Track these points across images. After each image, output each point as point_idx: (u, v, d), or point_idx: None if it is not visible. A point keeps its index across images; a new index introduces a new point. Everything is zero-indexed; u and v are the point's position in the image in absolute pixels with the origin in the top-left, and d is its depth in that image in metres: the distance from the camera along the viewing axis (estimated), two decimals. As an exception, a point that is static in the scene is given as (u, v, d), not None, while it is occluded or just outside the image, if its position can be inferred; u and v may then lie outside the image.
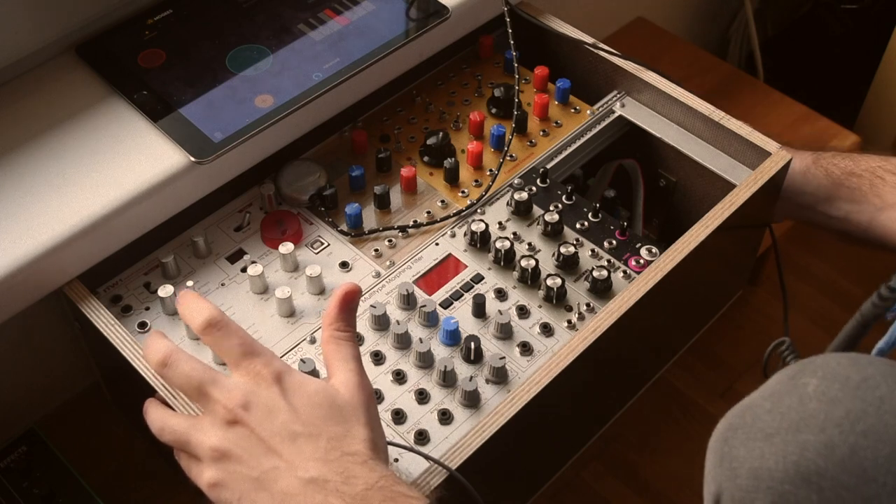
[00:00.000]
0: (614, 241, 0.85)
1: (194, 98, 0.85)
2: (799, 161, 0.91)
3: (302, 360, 0.75)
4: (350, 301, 0.67)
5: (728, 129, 0.89)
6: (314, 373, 0.74)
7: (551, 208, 0.87)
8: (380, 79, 0.92)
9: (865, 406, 0.46)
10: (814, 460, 0.46)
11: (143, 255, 0.83)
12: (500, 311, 0.79)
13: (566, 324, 0.79)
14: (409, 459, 0.70)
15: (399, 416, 0.74)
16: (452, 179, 0.89)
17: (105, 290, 0.81)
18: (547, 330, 0.79)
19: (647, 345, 0.92)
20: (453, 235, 0.85)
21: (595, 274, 0.81)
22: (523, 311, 0.80)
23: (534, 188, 0.89)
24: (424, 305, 0.79)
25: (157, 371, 0.66)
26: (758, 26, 1.62)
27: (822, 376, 0.49)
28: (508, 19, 0.95)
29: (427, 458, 0.69)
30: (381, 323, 0.78)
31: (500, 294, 0.81)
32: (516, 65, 0.95)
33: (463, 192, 0.89)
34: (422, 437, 0.72)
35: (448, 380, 0.75)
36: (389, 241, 0.85)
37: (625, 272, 0.83)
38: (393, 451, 0.70)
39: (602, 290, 0.81)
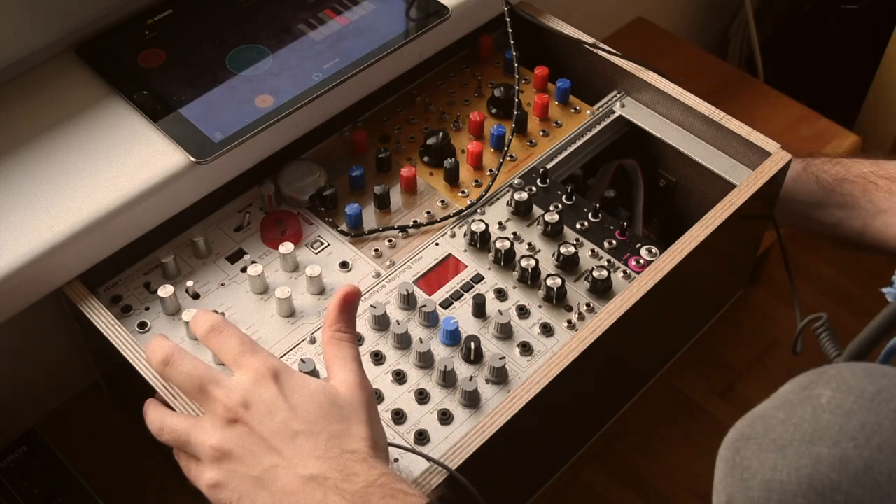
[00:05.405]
0: (614, 241, 0.85)
1: (194, 98, 0.85)
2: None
3: (302, 360, 0.75)
4: (350, 302, 0.68)
5: (728, 129, 0.89)
6: (314, 373, 0.74)
7: (551, 208, 0.87)
8: (380, 79, 0.92)
9: (880, 419, 0.45)
10: (827, 474, 0.45)
11: (143, 255, 0.83)
12: (500, 311, 0.79)
13: (566, 324, 0.79)
14: (409, 459, 0.70)
15: (399, 416, 0.74)
16: (452, 179, 0.89)
17: (105, 290, 0.81)
18: (547, 330, 0.79)
19: (647, 345, 0.92)
20: (453, 235, 0.85)
21: (595, 274, 0.81)
22: (523, 311, 0.80)
23: (534, 188, 0.89)
24: (424, 305, 0.79)
25: (159, 370, 0.66)
26: (758, 26, 1.62)
27: (835, 387, 0.48)
28: (508, 19, 0.95)
29: (427, 458, 0.69)
30: (381, 323, 0.78)
31: (500, 294, 0.81)
32: (516, 65, 0.95)
33: (463, 192, 0.89)
34: (422, 437, 0.72)
35: (448, 380, 0.75)
36: (389, 241, 0.85)
37: (625, 272, 0.83)
38: (393, 451, 0.70)
39: (602, 290, 0.81)
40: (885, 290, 0.68)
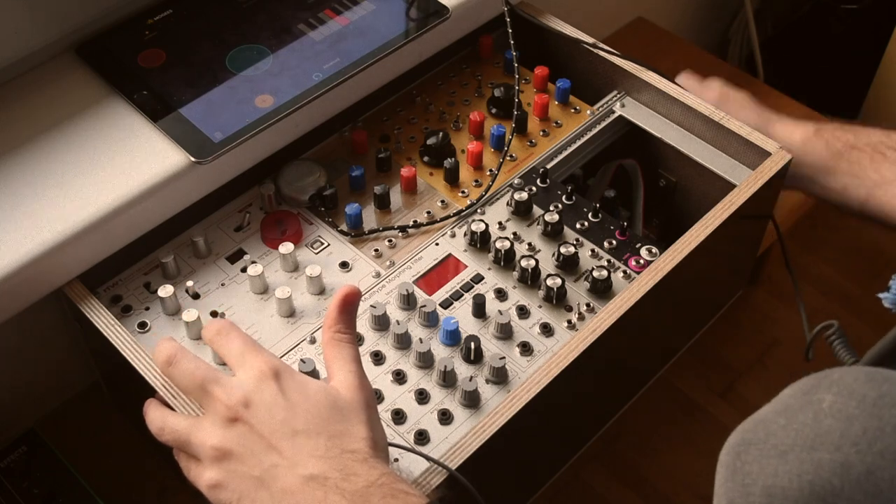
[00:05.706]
0: (614, 241, 0.85)
1: (194, 98, 0.85)
2: (800, 131, 0.90)
3: (302, 360, 0.75)
4: (350, 303, 0.68)
5: (728, 129, 0.89)
6: (314, 373, 0.74)
7: (551, 208, 0.87)
8: (380, 79, 0.92)
9: (882, 424, 0.45)
10: (829, 480, 0.45)
11: (143, 255, 0.83)
12: (500, 311, 0.79)
13: (566, 324, 0.79)
14: (409, 459, 0.70)
15: (399, 416, 0.74)
16: (452, 179, 0.89)
17: (105, 290, 0.81)
18: (547, 330, 0.79)
19: (647, 345, 0.92)
20: (453, 235, 0.85)
21: (595, 274, 0.81)
22: (523, 311, 0.80)
23: (534, 188, 0.89)
24: (424, 305, 0.79)
25: (163, 370, 0.67)
26: (758, 26, 1.62)
27: (837, 392, 0.48)
28: (508, 19, 0.95)
29: (427, 458, 0.69)
30: (381, 323, 0.78)
31: (500, 294, 0.81)
32: (516, 65, 0.95)
33: (463, 192, 0.89)
34: (422, 437, 0.72)
35: (448, 380, 0.75)
36: (389, 241, 0.85)
37: (625, 272, 0.83)
38: (393, 451, 0.70)
39: (602, 290, 0.81)
40: (881, 294, 0.68)
